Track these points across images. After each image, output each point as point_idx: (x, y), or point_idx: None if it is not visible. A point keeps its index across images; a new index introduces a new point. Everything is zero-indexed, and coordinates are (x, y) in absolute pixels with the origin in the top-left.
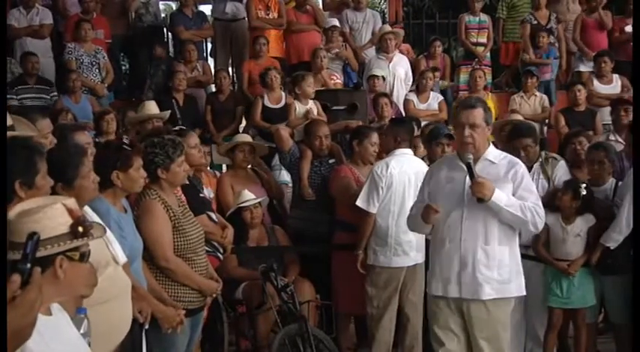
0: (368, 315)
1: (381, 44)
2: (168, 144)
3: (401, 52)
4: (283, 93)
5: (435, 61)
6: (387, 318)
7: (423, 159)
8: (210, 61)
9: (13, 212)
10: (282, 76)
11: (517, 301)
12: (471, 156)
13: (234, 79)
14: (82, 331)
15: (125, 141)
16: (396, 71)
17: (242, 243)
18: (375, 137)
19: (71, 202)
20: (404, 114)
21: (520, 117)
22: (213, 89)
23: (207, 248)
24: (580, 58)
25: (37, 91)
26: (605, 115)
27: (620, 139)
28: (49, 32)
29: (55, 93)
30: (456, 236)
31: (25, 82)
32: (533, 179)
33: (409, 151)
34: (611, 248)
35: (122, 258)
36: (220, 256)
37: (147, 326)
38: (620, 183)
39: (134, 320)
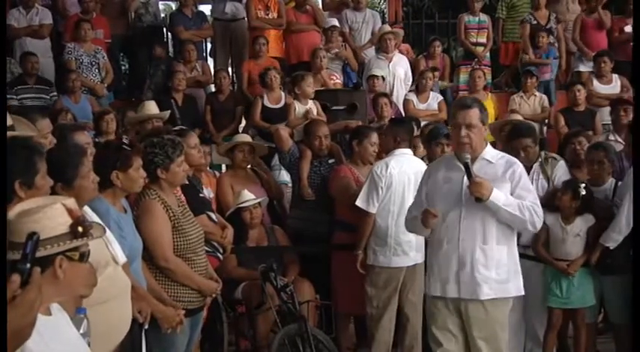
0: (367, 315)
1: (380, 44)
2: (167, 144)
3: (400, 52)
4: (283, 93)
5: (434, 61)
6: (387, 318)
7: (422, 159)
8: (210, 61)
9: (12, 212)
10: (281, 76)
11: (516, 301)
12: (468, 156)
13: (234, 78)
14: (81, 331)
15: (125, 141)
16: (396, 71)
17: (242, 243)
18: (374, 137)
19: (71, 202)
20: (403, 114)
21: (520, 117)
22: (213, 89)
23: (206, 248)
24: (580, 58)
25: (36, 91)
26: (604, 115)
27: (619, 139)
28: (49, 32)
29: (55, 94)
30: (454, 236)
31: (25, 82)
32: (532, 179)
33: (409, 151)
34: (611, 248)
35: (122, 258)
36: (220, 256)
37: (146, 326)
38: (619, 183)
39: (134, 320)
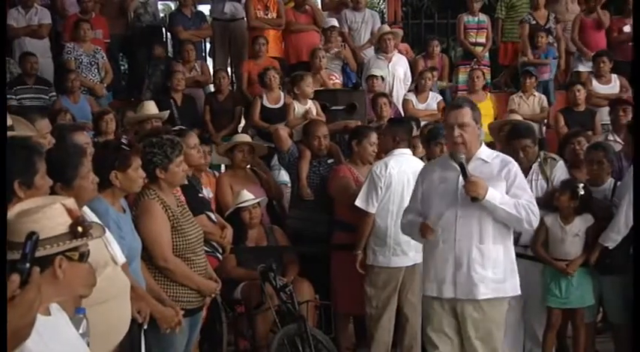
0: (367, 315)
1: (380, 44)
2: (166, 144)
3: (400, 52)
4: (282, 93)
5: (433, 60)
6: (386, 318)
7: (421, 159)
8: (209, 61)
9: (12, 212)
10: (281, 76)
11: (515, 301)
12: (463, 156)
13: (233, 78)
14: (80, 331)
15: (124, 141)
16: (395, 71)
17: (241, 243)
18: (373, 137)
19: (70, 202)
20: (403, 114)
21: (519, 118)
22: (212, 89)
23: (206, 248)
24: (579, 58)
25: (35, 91)
26: (603, 115)
27: (618, 139)
28: (48, 32)
29: (54, 94)
30: (450, 236)
31: (24, 82)
32: (532, 179)
33: (408, 151)
34: (610, 248)
35: (121, 258)
36: (219, 256)
37: (145, 326)
38: (618, 183)
39: (133, 320)
